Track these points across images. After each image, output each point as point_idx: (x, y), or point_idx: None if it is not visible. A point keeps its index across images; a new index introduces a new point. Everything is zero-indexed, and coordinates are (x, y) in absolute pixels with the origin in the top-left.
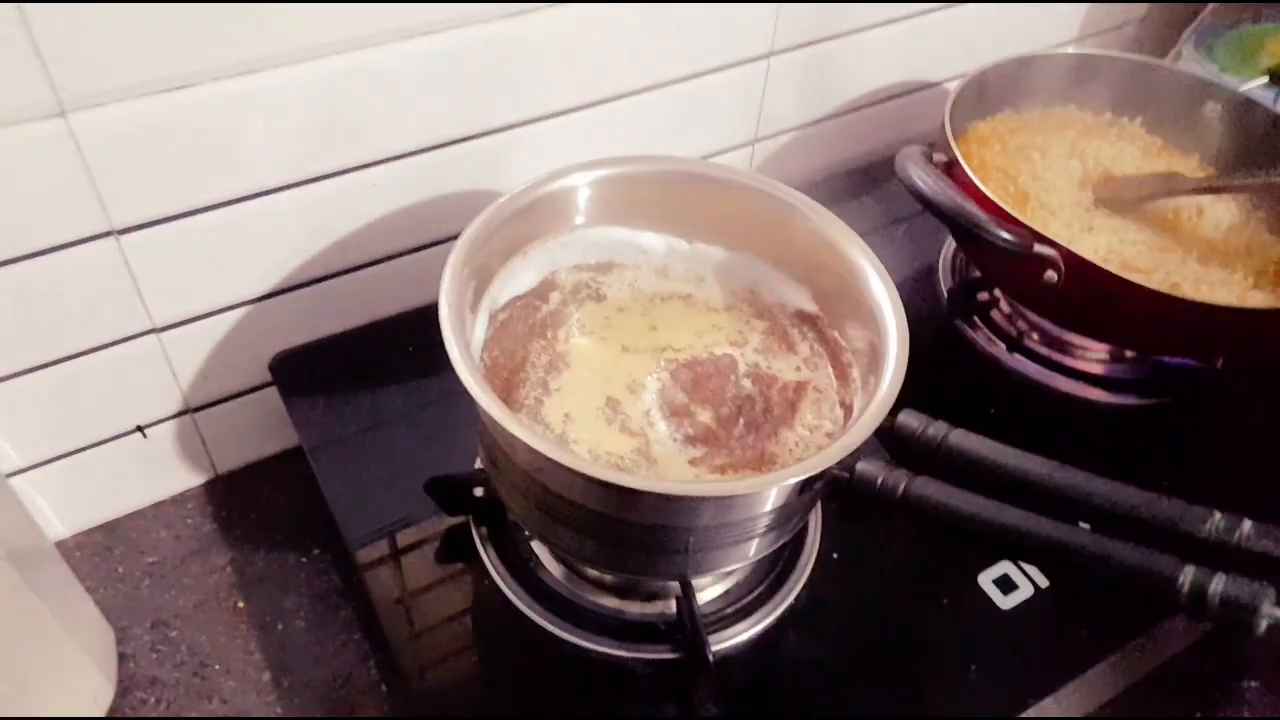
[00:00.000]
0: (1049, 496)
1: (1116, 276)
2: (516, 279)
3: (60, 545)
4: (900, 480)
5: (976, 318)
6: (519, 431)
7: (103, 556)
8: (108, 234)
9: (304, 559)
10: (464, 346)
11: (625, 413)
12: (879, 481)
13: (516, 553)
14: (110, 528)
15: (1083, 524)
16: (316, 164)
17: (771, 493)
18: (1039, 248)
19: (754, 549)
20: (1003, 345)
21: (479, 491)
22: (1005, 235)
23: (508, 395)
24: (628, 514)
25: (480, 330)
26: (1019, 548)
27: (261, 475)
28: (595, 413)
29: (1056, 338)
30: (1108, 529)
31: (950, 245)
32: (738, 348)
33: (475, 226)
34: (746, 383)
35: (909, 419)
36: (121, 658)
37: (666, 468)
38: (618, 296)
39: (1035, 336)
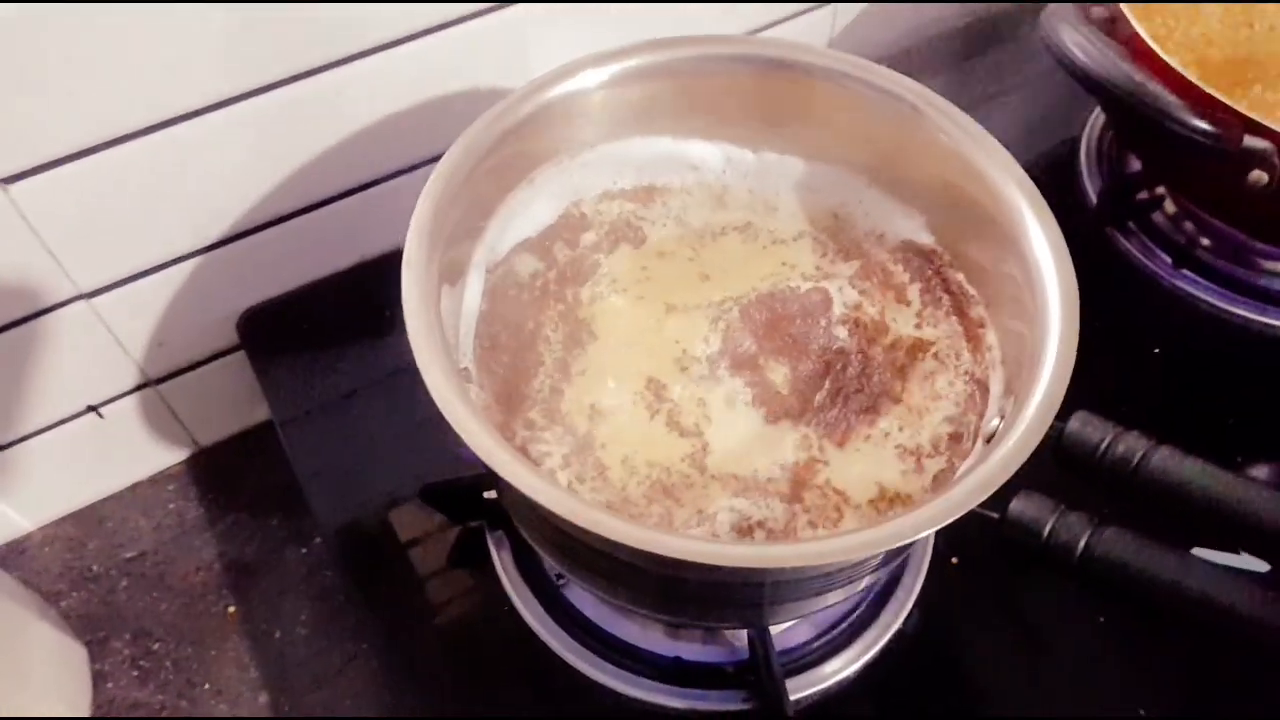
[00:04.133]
0: None
1: None
2: (522, 217)
3: (26, 540)
4: (1079, 532)
5: (1131, 221)
6: (507, 472)
7: (75, 552)
8: None
9: (303, 549)
10: (436, 338)
11: (673, 398)
12: (1046, 532)
13: (540, 568)
14: (81, 517)
15: None
16: (257, 71)
17: None
18: (1251, 140)
19: (855, 587)
20: (1166, 259)
21: (491, 494)
22: (1203, 125)
23: (514, 388)
24: (674, 570)
25: (474, 296)
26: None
27: (250, 448)
28: (632, 400)
29: (1238, 246)
30: None
31: (1096, 123)
32: (829, 281)
33: (454, 155)
34: (841, 331)
35: (1085, 427)
36: (98, 678)
37: (728, 479)
38: (659, 236)
39: (1208, 244)
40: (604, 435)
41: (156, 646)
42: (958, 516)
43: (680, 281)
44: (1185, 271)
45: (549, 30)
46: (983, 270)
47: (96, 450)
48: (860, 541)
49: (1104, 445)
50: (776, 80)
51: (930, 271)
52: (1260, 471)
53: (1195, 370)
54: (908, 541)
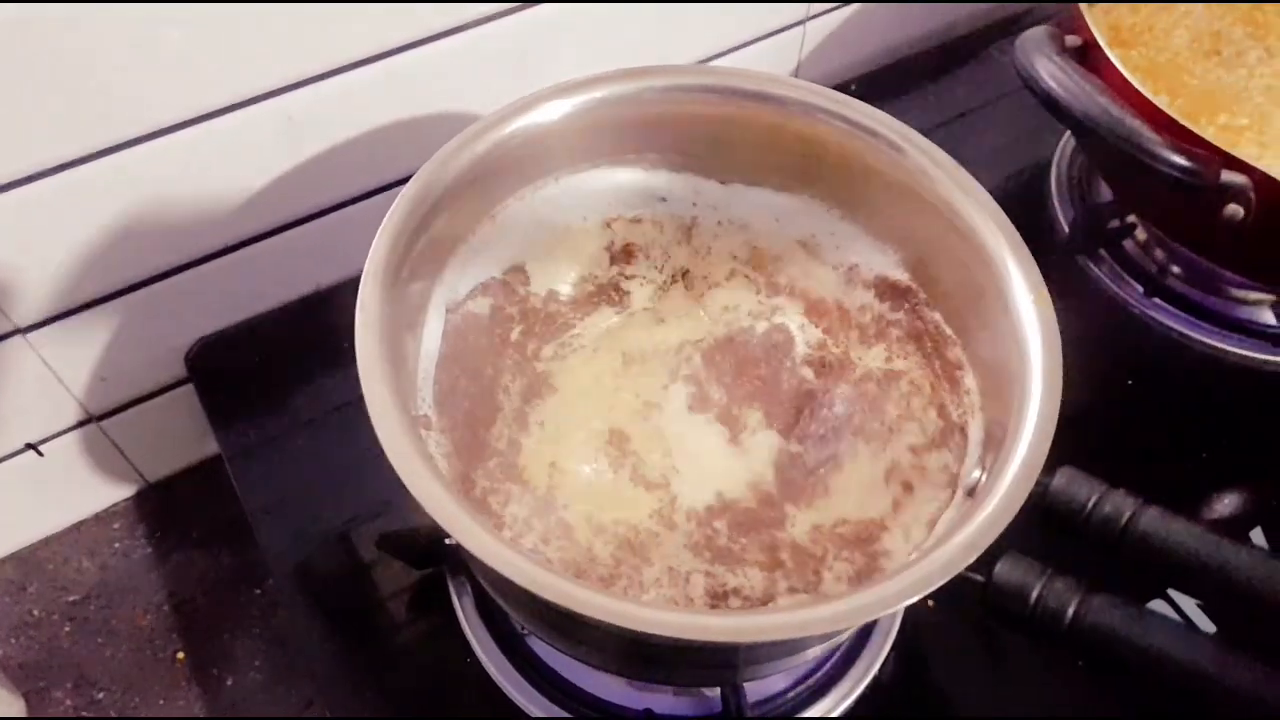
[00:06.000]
0: None
1: None
2: (484, 256)
3: None
4: (1068, 599)
5: (1102, 249)
6: (469, 541)
7: (14, 596)
8: None
9: (257, 589)
10: (391, 389)
11: (636, 450)
12: (1033, 598)
13: (503, 617)
14: (22, 559)
15: None
16: (207, 94)
17: None
18: (1228, 175)
19: (834, 642)
20: (1137, 287)
21: (452, 540)
22: (1182, 161)
23: (474, 435)
24: (644, 635)
25: (433, 338)
26: None
27: (201, 482)
28: (594, 455)
29: (1208, 274)
30: None
31: (1066, 147)
32: (786, 318)
33: (410, 194)
34: (807, 372)
35: (1071, 485)
36: None
37: (699, 537)
38: (639, 295)
39: (1178, 272)
40: (567, 492)
41: (101, 696)
42: (943, 582)
43: (637, 329)
44: (1156, 300)
45: (512, 54)
46: (960, 312)
47: (36, 488)
48: (844, 610)
49: (1090, 504)
50: (747, 112)
51: (905, 312)
52: (1230, 503)
53: (1166, 399)
54: (890, 611)
